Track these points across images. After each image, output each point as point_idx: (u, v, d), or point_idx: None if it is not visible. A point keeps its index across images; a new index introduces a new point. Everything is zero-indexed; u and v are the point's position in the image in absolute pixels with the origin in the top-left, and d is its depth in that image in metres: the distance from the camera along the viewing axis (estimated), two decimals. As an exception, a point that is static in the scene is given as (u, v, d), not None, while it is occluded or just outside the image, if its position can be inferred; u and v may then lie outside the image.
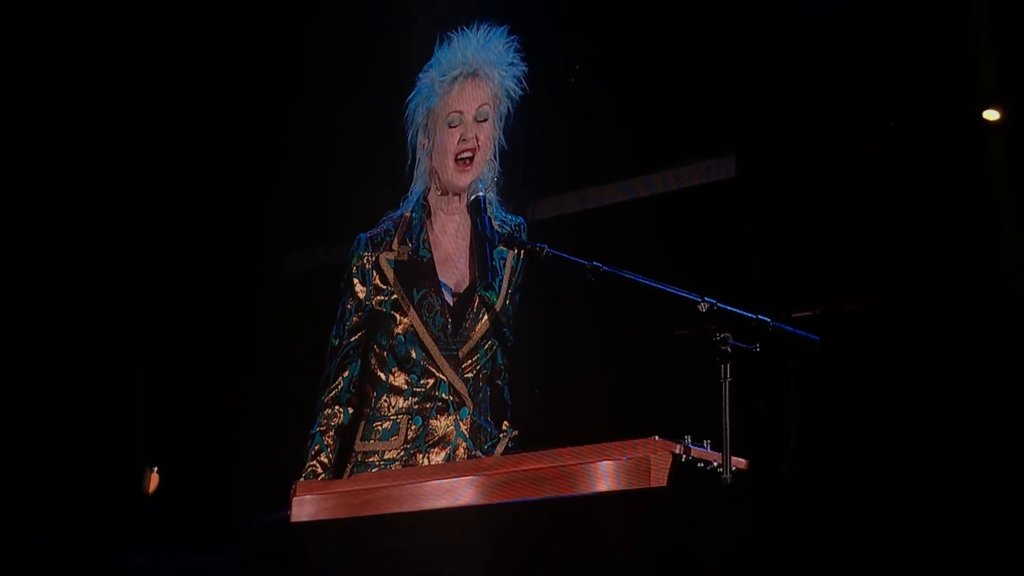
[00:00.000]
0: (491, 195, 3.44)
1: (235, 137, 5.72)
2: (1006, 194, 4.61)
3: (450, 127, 3.36)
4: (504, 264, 3.40)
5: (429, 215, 3.43)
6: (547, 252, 3.24)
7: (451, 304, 3.34)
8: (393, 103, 3.51)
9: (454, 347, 3.32)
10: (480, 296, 3.35)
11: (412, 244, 3.39)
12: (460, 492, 2.85)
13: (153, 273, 5.85)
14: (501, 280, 3.38)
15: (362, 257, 3.41)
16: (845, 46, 4.80)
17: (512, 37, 3.44)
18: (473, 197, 3.27)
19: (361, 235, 3.46)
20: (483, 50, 3.38)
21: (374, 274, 3.39)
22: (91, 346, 5.71)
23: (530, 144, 5.06)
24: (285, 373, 5.59)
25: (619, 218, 5.33)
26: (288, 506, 3.07)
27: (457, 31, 3.42)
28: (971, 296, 4.62)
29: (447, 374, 3.31)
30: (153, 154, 5.73)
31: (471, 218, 3.28)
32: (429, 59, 3.45)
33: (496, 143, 3.44)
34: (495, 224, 3.37)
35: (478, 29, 3.41)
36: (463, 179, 3.35)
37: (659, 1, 5.05)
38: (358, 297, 3.40)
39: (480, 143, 3.37)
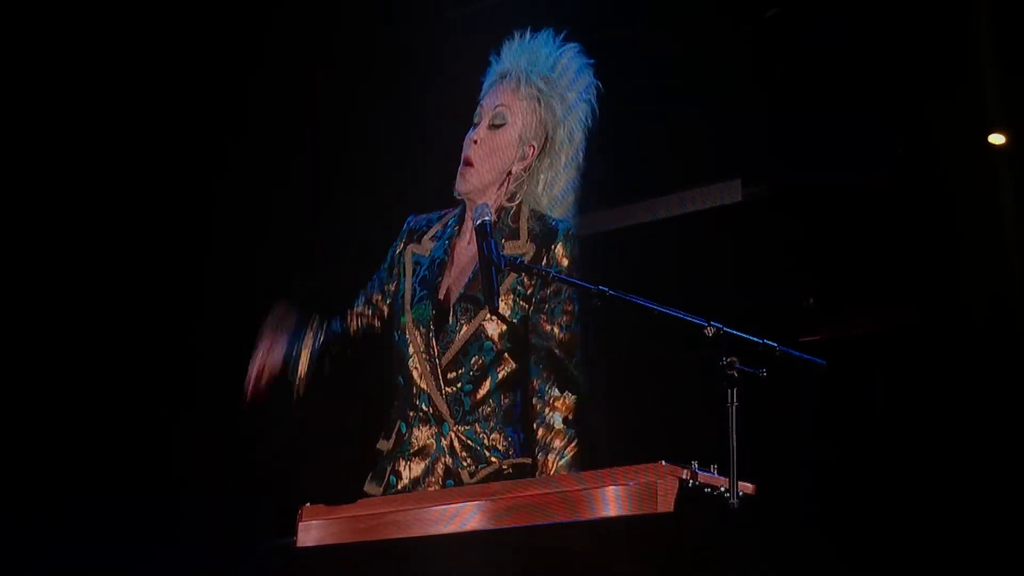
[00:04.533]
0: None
1: (248, 155, 5.73)
2: (1012, 217, 4.61)
3: (473, 125, 3.34)
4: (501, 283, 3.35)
5: (464, 219, 3.42)
6: (553, 276, 3.23)
7: (435, 312, 3.32)
8: (411, 122, 3.50)
9: (437, 356, 3.29)
10: (467, 305, 3.32)
11: (437, 243, 3.39)
12: (467, 517, 2.84)
13: (170, 293, 5.86)
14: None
15: (400, 241, 3.45)
16: (850, 71, 4.81)
17: (587, 65, 3.34)
18: (479, 222, 3.24)
19: (410, 216, 3.49)
20: (536, 59, 3.29)
21: (399, 263, 3.42)
22: (105, 365, 5.71)
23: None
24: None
25: (625, 242, 5.33)
26: (294, 531, 3.06)
27: (526, 32, 3.34)
28: (977, 319, 4.62)
29: (427, 384, 3.29)
30: (168, 169, 5.75)
31: (477, 243, 3.26)
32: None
33: (530, 157, 3.36)
34: (525, 231, 3.34)
35: (556, 45, 3.33)
36: (459, 184, 3.33)
37: (665, 26, 5.06)
38: (381, 276, 3.46)
39: (485, 148, 3.30)
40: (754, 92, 4.94)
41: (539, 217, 3.38)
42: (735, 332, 2.82)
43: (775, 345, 2.83)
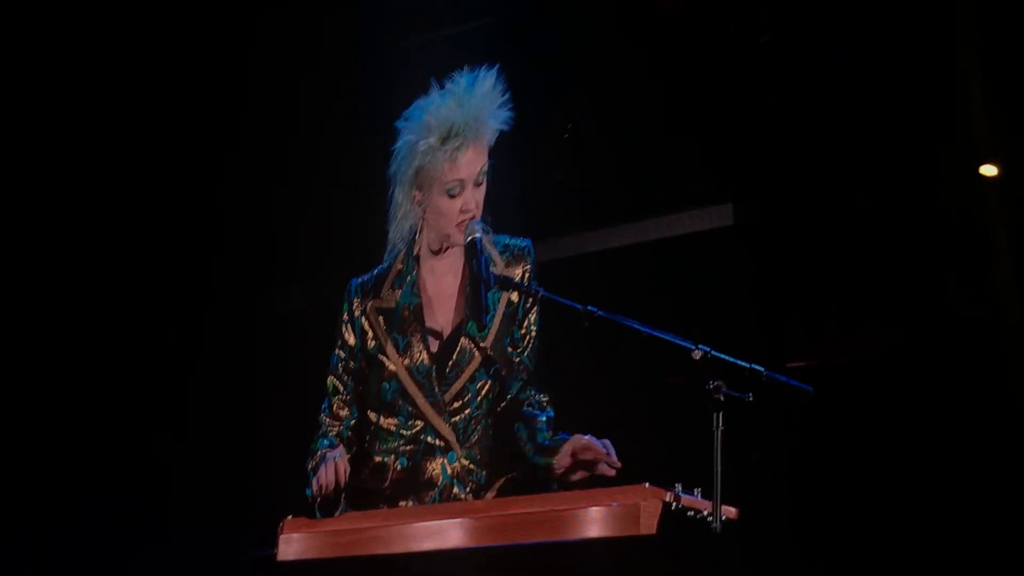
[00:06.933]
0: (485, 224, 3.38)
1: (233, 171, 5.75)
2: (1002, 247, 4.62)
3: (450, 197, 3.25)
4: (498, 301, 3.34)
5: (418, 260, 3.39)
6: (542, 295, 3.23)
7: (435, 350, 3.30)
8: (386, 141, 3.46)
9: (439, 392, 3.28)
10: (468, 337, 3.32)
11: (402, 290, 3.36)
12: (448, 534, 2.84)
13: (158, 307, 5.87)
14: (492, 318, 3.32)
15: (352, 304, 3.39)
16: (843, 98, 4.83)
17: (500, 75, 3.27)
18: (470, 239, 3.25)
19: (353, 280, 3.43)
20: (480, 107, 3.23)
21: (363, 321, 3.36)
22: (91, 381, 5.72)
23: (528, 187, 5.10)
24: (283, 407, 5.59)
25: (615, 263, 5.33)
26: (275, 543, 3.05)
27: (447, 79, 3.27)
28: (964, 348, 4.63)
29: (432, 420, 3.28)
30: (157, 183, 5.77)
31: (467, 260, 3.26)
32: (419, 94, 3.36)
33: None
34: (497, 255, 3.34)
35: (472, 80, 3.24)
36: (464, 239, 3.31)
37: (662, 50, 5.08)
38: (348, 345, 3.38)
39: (479, 204, 3.29)
40: (749, 117, 4.96)
41: (499, 240, 3.38)
42: (722, 356, 2.82)
43: (762, 370, 2.83)
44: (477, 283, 3.18)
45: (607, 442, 3.09)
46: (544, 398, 3.35)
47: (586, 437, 3.10)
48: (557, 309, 3.15)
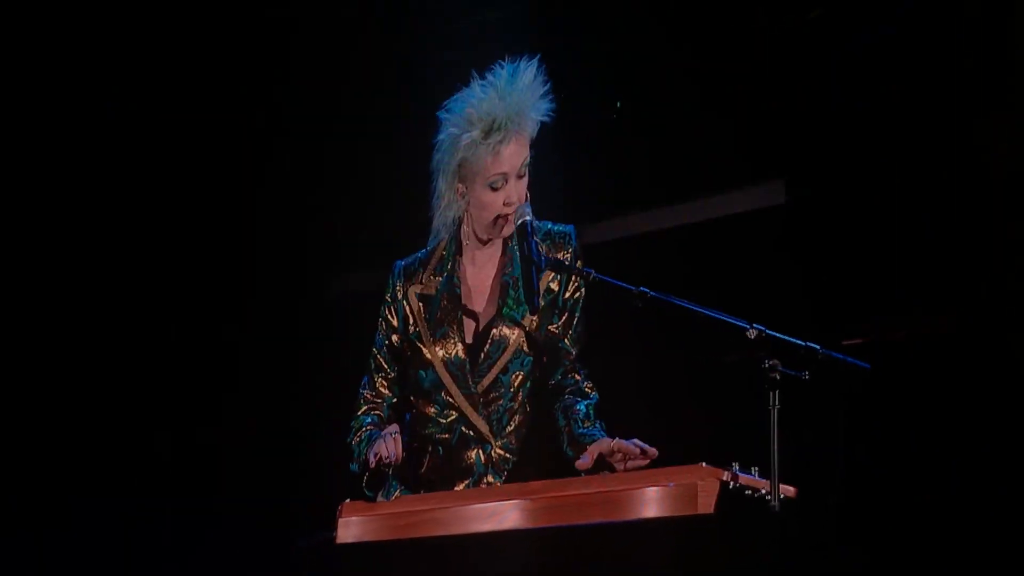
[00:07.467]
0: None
1: (281, 160, 5.77)
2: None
3: (493, 189, 3.27)
4: (540, 282, 3.33)
5: (460, 249, 3.40)
6: (594, 277, 3.22)
7: (470, 341, 3.32)
8: (434, 128, 3.46)
9: (472, 385, 3.30)
10: (502, 328, 3.31)
11: (442, 277, 3.37)
12: (505, 516, 2.85)
13: (203, 297, 5.90)
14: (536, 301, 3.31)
15: (395, 287, 3.42)
16: (895, 72, 4.78)
17: (540, 66, 3.28)
18: (520, 222, 3.25)
19: (397, 262, 3.45)
20: (522, 101, 3.24)
21: (404, 305, 3.39)
22: (138, 370, 5.76)
23: (578, 169, 5.09)
24: (331, 391, 5.62)
25: (667, 244, 5.31)
26: (333, 527, 3.08)
27: (489, 70, 3.27)
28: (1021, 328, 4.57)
29: (466, 411, 3.29)
30: (200, 175, 5.80)
31: (519, 243, 3.25)
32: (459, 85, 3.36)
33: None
34: (541, 245, 3.32)
35: (513, 72, 3.24)
36: (508, 230, 3.31)
37: (711, 28, 5.05)
38: (392, 325, 3.40)
39: (521, 196, 3.29)
40: (800, 93, 4.92)
41: (541, 226, 3.36)
42: (777, 334, 2.81)
43: (817, 348, 2.81)
44: (529, 265, 3.18)
45: (635, 440, 3.06)
46: (588, 384, 3.35)
47: (614, 440, 3.08)
48: (607, 292, 3.15)
